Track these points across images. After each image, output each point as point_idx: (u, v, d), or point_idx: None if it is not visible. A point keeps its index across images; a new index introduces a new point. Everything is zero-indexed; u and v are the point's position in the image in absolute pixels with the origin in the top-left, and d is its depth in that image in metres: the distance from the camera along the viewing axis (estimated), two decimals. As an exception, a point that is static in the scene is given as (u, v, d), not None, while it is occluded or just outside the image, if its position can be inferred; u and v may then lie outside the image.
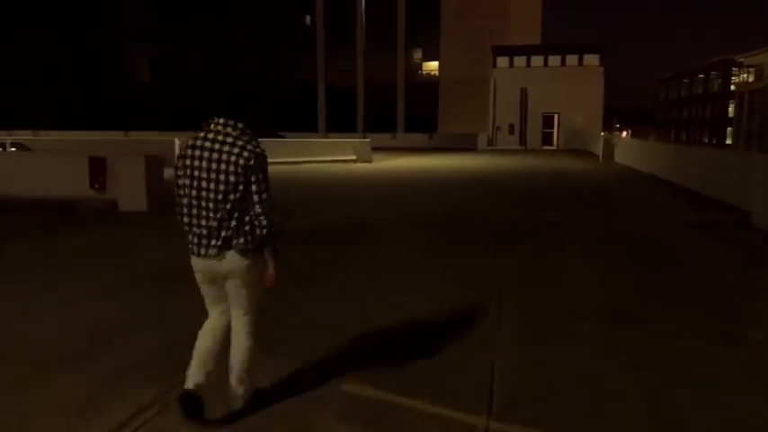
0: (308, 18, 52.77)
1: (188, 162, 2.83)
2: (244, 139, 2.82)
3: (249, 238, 2.81)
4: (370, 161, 25.85)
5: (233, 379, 3.00)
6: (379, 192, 13.98)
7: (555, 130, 38.32)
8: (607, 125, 79.42)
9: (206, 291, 3.03)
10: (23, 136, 30.54)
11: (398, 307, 5.00)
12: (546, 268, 6.51)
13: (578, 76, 37.06)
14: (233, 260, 2.83)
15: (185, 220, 2.89)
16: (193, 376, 2.91)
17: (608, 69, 39.96)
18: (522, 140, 38.45)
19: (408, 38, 51.04)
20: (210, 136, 2.82)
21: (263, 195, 2.82)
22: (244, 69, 51.09)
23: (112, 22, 52.35)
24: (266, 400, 3.17)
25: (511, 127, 38.53)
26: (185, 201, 2.87)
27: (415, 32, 50.70)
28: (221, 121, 2.84)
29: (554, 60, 38.17)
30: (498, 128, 38.77)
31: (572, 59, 38.02)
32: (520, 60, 38.61)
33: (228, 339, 3.04)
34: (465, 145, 38.35)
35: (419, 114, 50.38)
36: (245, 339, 3.00)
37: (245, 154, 2.77)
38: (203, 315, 3.13)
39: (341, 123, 51.01)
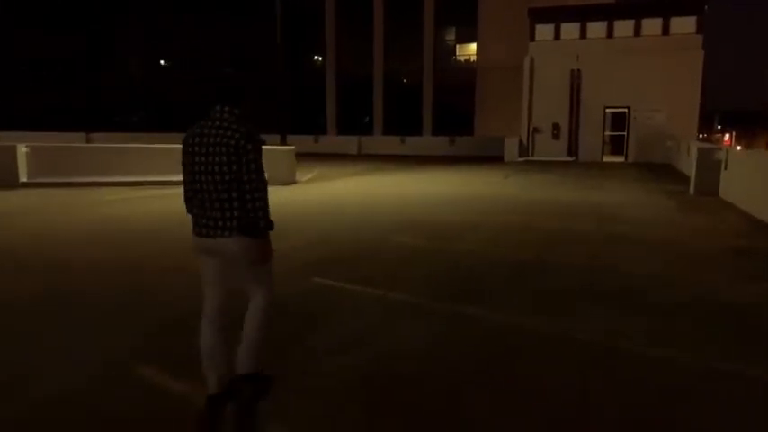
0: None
1: (189, 149, 3.05)
2: (239, 123, 3.02)
3: (247, 219, 2.99)
4: (291, 182, 15.70)
5: (243, 346, 3.20)
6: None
7: (626, 134, 25.81)
8: (704, 127, 63.69)
9: (205, 269, 3.18)
10: None
11: None
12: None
13: (663, 50, 24.30)
14: (234, 240, 3.01)
15: (188, 202, 3.14)
16: (211, 382, 3.14)
17: (707, 51, 26.09)
18: (573, 148, 26.09)
19: (439, 13, 39.89)
20: (209, 123, 3.04)
21: (253, 176, 2.94)
22: (234, 65, 42.01)
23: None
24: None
25: (555, 128, 26.19)
26: (188, 186, 3.09)
27: (447, 7, 39.53)
28: (217, 108, 3.05)
29: (623, 27, 25.10)
30: (536, 129, 26.56)
31: (652, 25, 24.89)
32: (570, 29, 25.80)
33: (227, 318, 3.22)
34: (492, 152, 27.15)
35: (451, 112, 39.37)
36: (260, 316, 3.21)
37: (237, 135, 2.94)
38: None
39: (355, 123, 41.32)
